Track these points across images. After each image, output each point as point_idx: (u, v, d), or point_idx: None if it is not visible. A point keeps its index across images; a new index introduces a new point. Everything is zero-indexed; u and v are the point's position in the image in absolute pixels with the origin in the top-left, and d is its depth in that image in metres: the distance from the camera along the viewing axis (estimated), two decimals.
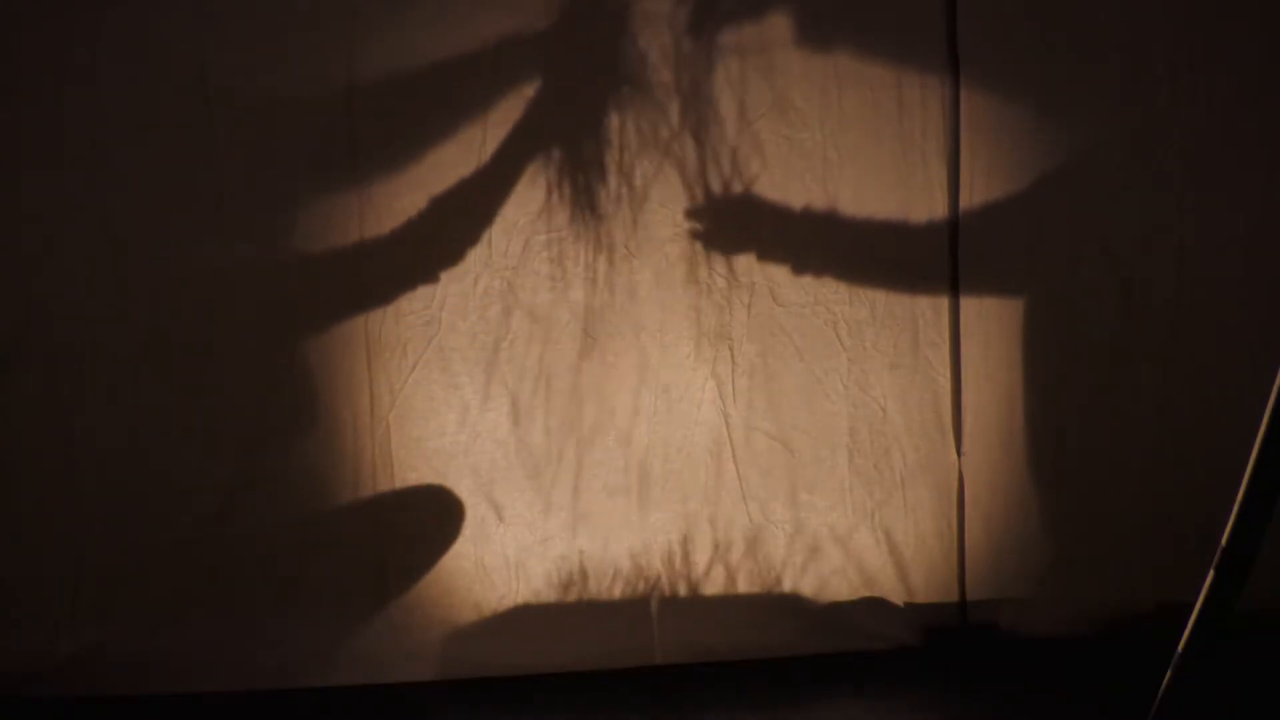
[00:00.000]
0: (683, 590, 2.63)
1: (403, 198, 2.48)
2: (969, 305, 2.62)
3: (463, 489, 2.57)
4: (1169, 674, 1.89)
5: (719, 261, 2.57)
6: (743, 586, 2.63)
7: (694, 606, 2.62)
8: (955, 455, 2.65)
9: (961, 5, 2.53)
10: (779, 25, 2.52)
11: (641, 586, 2.62)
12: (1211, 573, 1.83)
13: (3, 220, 2.42)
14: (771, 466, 2.62)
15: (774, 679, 2.55)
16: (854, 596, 2.66)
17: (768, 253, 2.57)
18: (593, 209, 2.53)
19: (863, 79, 2.55)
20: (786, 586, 2.64)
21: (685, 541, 2.62)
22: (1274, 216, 2.61)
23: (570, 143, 2.51)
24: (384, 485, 2.54)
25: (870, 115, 2.56)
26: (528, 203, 2.52)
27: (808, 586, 2.65)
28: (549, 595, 2.61)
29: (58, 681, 2.46)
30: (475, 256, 2.52)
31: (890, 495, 2.65)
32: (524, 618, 2.60)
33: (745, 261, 2.57)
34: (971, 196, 2.58)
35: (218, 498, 2.49)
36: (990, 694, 2.46)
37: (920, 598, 2.67)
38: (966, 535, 2.66)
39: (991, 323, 2.63)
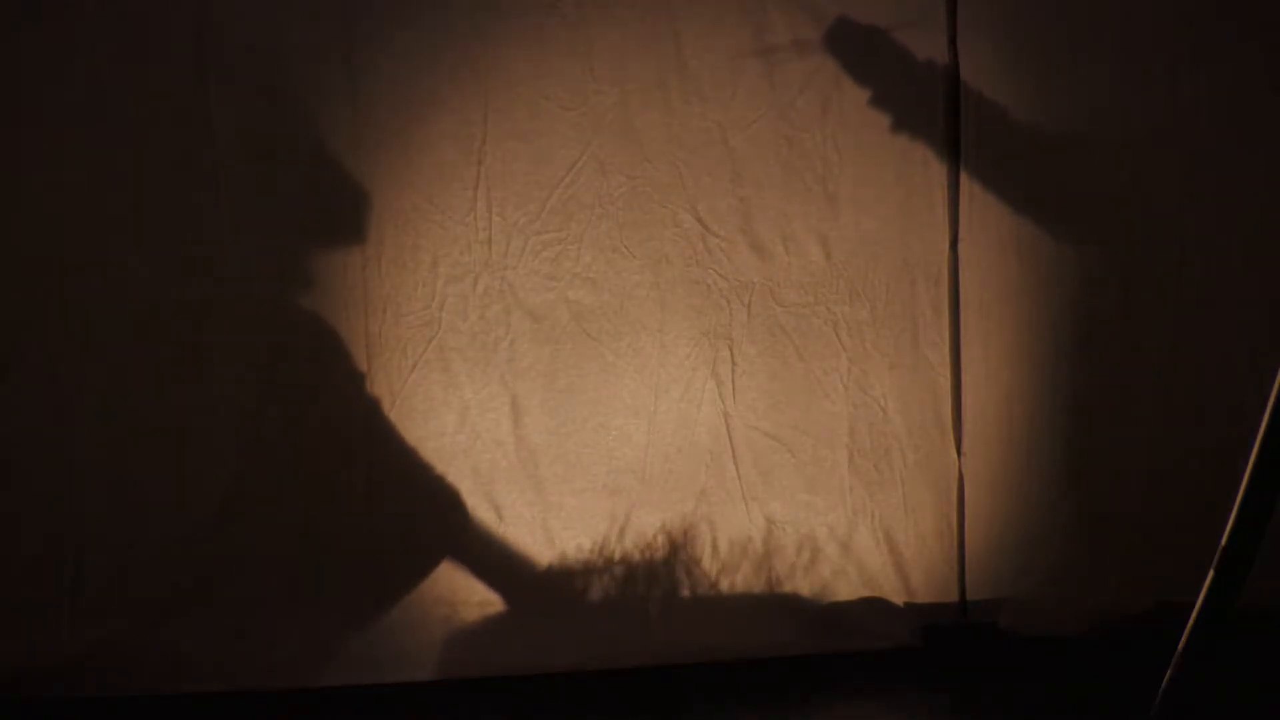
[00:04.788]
0: (683, 590, 2.62)
1: (404, 195, 2.49)
2: (969, 305, 2.62)
3: (463, 489, 2.57)
4: (1169, 673, 1.89)
5: (719, 261, 2.57)
6: (742, 586, 2.63)
7: (694, 606, 2.62)
8: (955, 455, 2.65)
9: (962, 4, 2.53)
10: (779, 27, 2.52)
11: (641, 586, 2.62)
12: (1211, 572, 1.83)
13: (2, 220, 2.41)
14: (771, 466, 2.62)
15: (774, 679, 2.55)
16: (854, 596, 2.66)
17: (767, 257, 2.58)
18: (593, 208, 2.53)
19: (863, 79, 2.55)
20: (786, 586, 2.64)
21: (685, 542, 2.62)
22: (1274, 216, 2.61)
23: (570, 142, 2.51)
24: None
25: (870, 115, 2.56)
26: (528, 202, 2.52)
27: (808, 586, 2.64)
28: (549, 595, 2.60)
29: (58, 681, 2.46)
30: (475, 256, 2.52)
31: (890, 495, 2.65)
32: (524, 618, 2.60)
33: (745, 261, 2.57)
34: (972, 195, 2.59)
35: (217, 498, 2.49)
36: (990, 694, 2.46)
37: (920, 598, 2.67)
38: (966, 535, 2.66)
39: (991, 323, 2.63)
